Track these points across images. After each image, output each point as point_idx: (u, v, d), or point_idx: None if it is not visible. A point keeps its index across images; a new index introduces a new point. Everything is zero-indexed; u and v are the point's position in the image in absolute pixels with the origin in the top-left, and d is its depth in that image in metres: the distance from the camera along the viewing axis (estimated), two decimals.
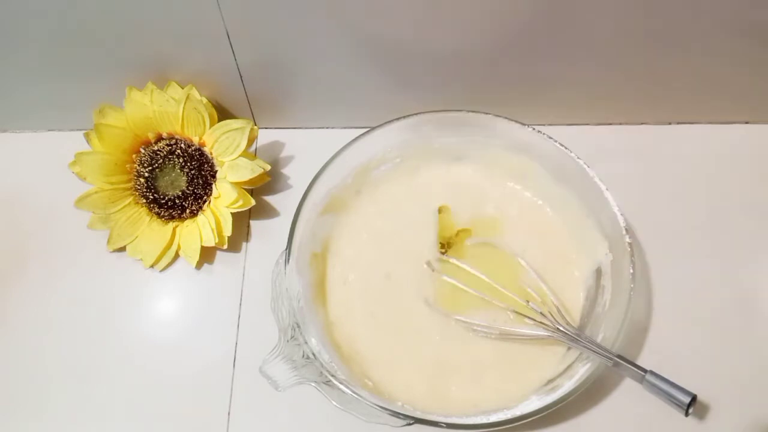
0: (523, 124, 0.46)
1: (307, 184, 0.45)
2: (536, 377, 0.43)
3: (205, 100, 0.51)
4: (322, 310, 0.46)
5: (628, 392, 0.45)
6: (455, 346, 0.45)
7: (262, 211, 0.53)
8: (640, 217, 0.50)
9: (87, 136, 0.51)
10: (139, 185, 0.51)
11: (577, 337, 0.41)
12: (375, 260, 0.48)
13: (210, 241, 0.49)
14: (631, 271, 0.41)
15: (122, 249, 0.52)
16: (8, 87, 0.53)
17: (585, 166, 0.44)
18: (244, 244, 0.52)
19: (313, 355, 0.40)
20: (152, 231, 0.51)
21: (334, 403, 0.39)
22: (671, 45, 0.47)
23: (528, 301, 0.44)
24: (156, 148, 0.51)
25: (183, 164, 0.50)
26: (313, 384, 0.39)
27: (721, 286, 0.49)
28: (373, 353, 0.45)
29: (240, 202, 0.49)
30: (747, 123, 0.55)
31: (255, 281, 0.51)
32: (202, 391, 0.47)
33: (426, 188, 0.50)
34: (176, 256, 0.52)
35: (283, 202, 0.54)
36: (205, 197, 0.51)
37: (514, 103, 0.51)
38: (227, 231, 0.49)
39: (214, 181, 0.51)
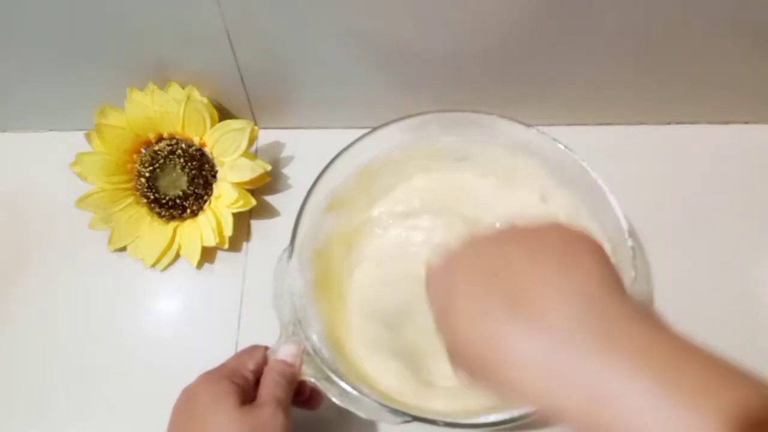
0: (527, 125, 0.46)
1: (308, 184, 0.45)
2: None
3: (205, 101, 0.51)
4: (323, 306, 0.46)
5: None
6: None
7: (262, 211, 0.53)
8: (640, 217, 0.49)
9: (88, 136, 0.51)
10: (140, 185, 0.51)
11: None
12: (376, 258, 0.48)
13: (211, 241, 0.49)
14: (633, 274, 0.41)
15: (123, 249, 0.52)
16: (8, 87, 0.53)
17: (589, 169, 0.44)
18: (244, 244, 0.52)
19: (314, 351, 0.40)
20: (153, 231, 0.51)
21: (334, 398, 0.39)
22: (671, 45, 0.47)
23: None
24: (157, 148, 0.51)
25: (184, 164, 0.51)
26: (313, 380, 0.39)
27: (722, 286, 0.49)
28: (374, 350, 0.45)
29: (241, 202, 0.49)
30: (747, 123, 0.55)
31: (256, 281, 0.51)
32: None
33: (428, 188, 0.50)
34: (177, 255, 0.52)
35: (284, 202, 0.54)
36: (205, 197, 0.51)
37: (513, 103, 0.51)
38: (228, 231, 0.49)
39: (215, 181, 0.51)
